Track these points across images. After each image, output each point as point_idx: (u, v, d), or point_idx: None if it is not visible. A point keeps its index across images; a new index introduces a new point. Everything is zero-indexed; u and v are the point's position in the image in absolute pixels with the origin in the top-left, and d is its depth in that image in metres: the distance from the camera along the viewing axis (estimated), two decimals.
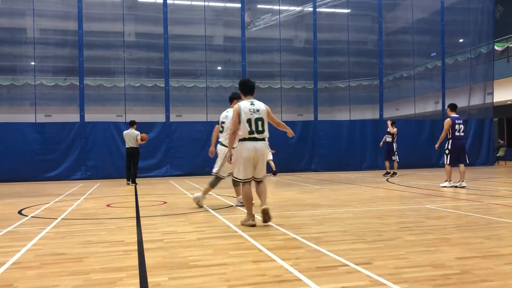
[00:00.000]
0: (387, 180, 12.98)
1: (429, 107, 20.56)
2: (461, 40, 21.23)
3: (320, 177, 14.98)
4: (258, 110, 5.75)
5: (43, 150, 15.67)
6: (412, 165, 18.10)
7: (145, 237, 5.11)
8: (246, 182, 5.81)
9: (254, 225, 5.62)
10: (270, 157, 14.59)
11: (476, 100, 20.15)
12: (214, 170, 7.65)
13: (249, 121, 5.67)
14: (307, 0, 19.11)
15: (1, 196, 10.62)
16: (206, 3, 18.38)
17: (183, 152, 16.56)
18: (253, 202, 5.95)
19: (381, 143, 15.34)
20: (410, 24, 19.92)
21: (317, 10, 18.89)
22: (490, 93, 20.13)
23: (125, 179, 13.70)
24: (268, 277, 3.45)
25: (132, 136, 13.19)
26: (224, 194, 9.82)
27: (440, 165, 18.11)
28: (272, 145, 17.42)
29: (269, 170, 14.15)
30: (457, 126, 10.34)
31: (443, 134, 10.51)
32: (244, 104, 5.74)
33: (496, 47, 21.30)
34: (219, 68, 19.92)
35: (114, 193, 10.80)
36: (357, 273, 3.50)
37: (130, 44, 18.20)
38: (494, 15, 21.08)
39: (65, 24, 17.48)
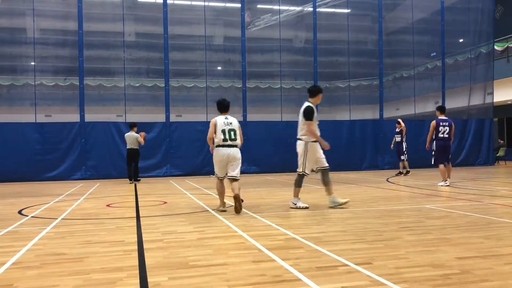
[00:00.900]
0: (387, 180, 12.99)
1: (429, 107, 20.54)
2: (461, 40, 21.23)
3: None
4: (231, 123, 7.05)
5: (43, 150, 15.67)
6: (412, 165, 18.06)
7: (145, 237, 5.11)
8: (220, 179, 7.27)
9: (224, 211, 7.08)
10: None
11: (476, 100, 20.14)
12: (300, 169, 7.66)
13: (223, 131, 6.92)
14: (307, 0, 19.11)
15: (1, 196, 10.62)
16: (206, 3, 18.38)
17: (183, 152, 16.56)
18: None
19: (392, 145, 15.58)
20: (410, 24, 19.92)
21: (317, 10, 18.89)
22: (490, 93, 20.13)
23: (127, 179, 14.27)
24: (268, 277, 3.45)
25: (133, 138, 13.67)
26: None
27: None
28: (272, 145, 17.56)
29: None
30: (441, 128, 10.94)
31: (429, 135, 11.17)
32: (220, 119, 7.04)
33: (496, 47, 21.29)
34: (219, 68, 19.92)
35: (114, 193, 10.80)
36: (357, 273, 3.50)
37: (130, 44, 18.20)
38: (494, 15, 21.08)
39: (65, 24, 17.48)
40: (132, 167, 14.03)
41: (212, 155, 7.23)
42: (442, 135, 10.94)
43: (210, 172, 10.73)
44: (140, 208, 7.77)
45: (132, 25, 18.61)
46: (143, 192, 10.87)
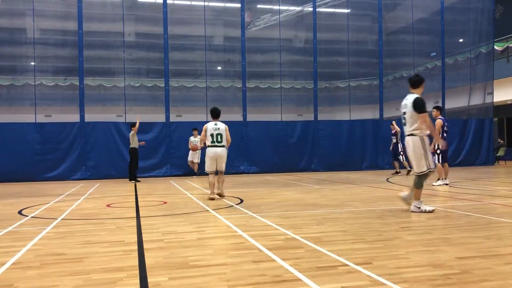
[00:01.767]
0: (387, 180, 12.99)
1: (429, 107, 20.28)
2: (461, 40, 21.22)
3: (320, 177, 14.98)
4: (218, 128, 8.77)
5: (43, 150, 15.67)
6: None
7: (145, 237, 5.11)
8: (211, 173, 8.79)
9: (213, 199, 8.65)
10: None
11: (476, 100, 20.13)
12: (422, 168, 6.68)
13: (212, 135, 8.70)
14: (307, 0, 19.11)
15: (1, 196, 10.63)
16: (206, 3, 18.37)
17: (183, 152, 16.55)
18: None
19: (391, 147, 15.81)
20: (410, 24, 19.91)
21: (317, 10, 18.88)
22: (490, 93, 20.13)
23: (129, 179, 14.71)
24: (268, 277, 3.45)
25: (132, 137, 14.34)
26: (225, 194, 9.82)
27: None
28: (272, 145, 17.57)
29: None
30: (445, 128, 11.11)
31: (438, 135, 10.69)
32: (210, 125, 8.83)
33: (496, 47, 21.29)
34: (219, 68, 19.91)
35: (114, 193, 10.80)
36: (357, 273, 3.50)
37: (130, 44, 18.19)
38: (494, 15, 21.07)
39: (65, 24, 17.47)
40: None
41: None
42: (446, 134, 11.10)
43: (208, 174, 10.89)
44: (140, 208, 7.78)
45: (132, 25, 18.60)
46: (143, 192, 10.88)
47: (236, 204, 7.90)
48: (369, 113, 20.01)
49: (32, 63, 17.19)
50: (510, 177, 14.20)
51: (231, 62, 19.39)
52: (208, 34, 18.44)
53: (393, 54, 19.85)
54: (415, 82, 6.88)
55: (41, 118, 16.43)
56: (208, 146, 8.76)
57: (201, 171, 15.91)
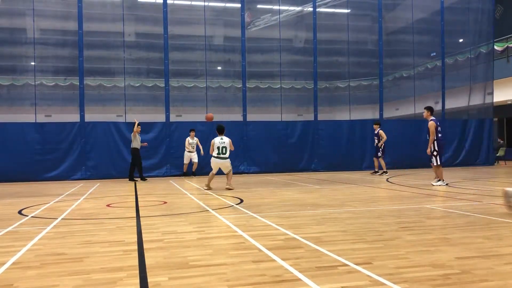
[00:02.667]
0: (387, 180, 12.99)
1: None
2: (461, 40, 21.22)
3: (320, 177, 14.99)
4: (224, 142, 10.73)
5: (43, 150, 15.66)
6: (412, 165, 18.12)
7: (145, 237, 5.11)
8: (213, 172, 11.07)
9: (210, 189, 10.89)
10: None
11: (476, 100, 20.13)
12: None
13: (218, 147, 10.70)
14: (307, 0, 19.11)
15: (1, 196, 10.62)
16: (206, 3, 18.37)
17: (183, 152, 16.55)
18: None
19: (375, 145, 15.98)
20: (410, 24, 19.91)
21: (317, 10, 18.88)
22: (490, 93, 20.12)
23: (130, 179, 14.79)
24: (268, 277, 3.45)
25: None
26: (224, 194, 9.83)
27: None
28: (272, 145, 17.58)
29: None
30: (439, 128, 10.93)
31: (432, 137, 10.88)
32: (217, 139, 10.77)
33: (496, 47, 21.29)
34: (219, 68, 19.92)
35: (114, 193, 10.80)
36: (357, 273, 3.50)
37: (130, 44, 18.19)
38: (494, 15, 21.07)
39: (65, 24, 17.47)
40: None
41: (210, 157, 11.04)
42: (440, 135, 10.97)
43: (211, 171, 11.02)
44: (140, 208, 7.77)
45: (132, 25, 18.60)
46: (143, 192, 10.88)
47: (236, 204, 7.90)
48: (369, 113, 20.01)
49: (32, 63, 17.19)
50: (510, 177, 14.20)
51: (231, 62, 19.40)
52: (208, 34, 18.44)
53: (393, 54, 19.85)
54: None
55: (41, 118, 16.43)
56: (213, 157, 10.80)
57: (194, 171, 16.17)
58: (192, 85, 19.79)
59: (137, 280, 3.44)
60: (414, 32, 19.67)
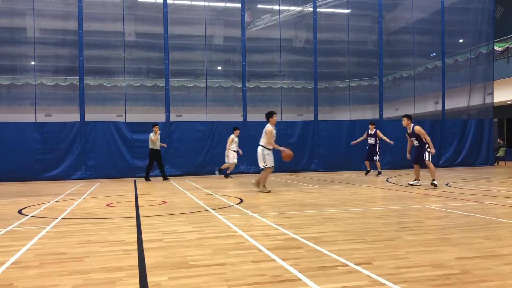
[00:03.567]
0: (387, 180, 12.99)
1: (429, 107, 20.54)
2: (461, 40, 21.22)
3: (320, 177, 14.98)
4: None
5: (43, 149, 15.67)
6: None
7: (145, 237, 5.11)
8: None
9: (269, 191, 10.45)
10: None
11: (476, 100, 20.14)
12: None
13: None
14: (307, 0, 19.11)
15: (1, 195, 10.62)
16: (206, 3, 18.37)
17: (183, 152, 16.55)
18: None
19: (367, 147, 15.51)
20: (410, 24, 19.91)
21: (317, 10, 18.88)
22: (490, 93, 20.13)
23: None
24: (267, 277, 3.45)
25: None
26: (224, 194, 9.83)
27: (440, 165, 18.15)
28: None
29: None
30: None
31: (430, 141, 10.98)
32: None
33: (496, 47, 21.28)
34: (219, 68, 19.91)
35: (114, 192, 10.80)
36: (357, 273, 3.50)
37: (130, 44, 18.19)
38: (494, 15, 21.06)
39: (65, 24, 17.47)
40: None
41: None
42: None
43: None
44: (140, 207, 7.77)
45: (132, 25, 18.60)
46: (143, 192, 10.88)
47: (236, 204, 7.90)
48: (369, 113, 20.01)
49: (32, 63, 17.19)
50: (510, 177, 14.20)
51: (231, 62, 19.39)
52: (208, 34, 18.44)
53: (393, 54, 19.84)
54: None
55: (41, 118, 16.44)
56: (271, 149, 10.45)
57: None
58: (192, 85, 19.78)
59: (137, 280, 3.44)
60: (414, 32, 19.67)
